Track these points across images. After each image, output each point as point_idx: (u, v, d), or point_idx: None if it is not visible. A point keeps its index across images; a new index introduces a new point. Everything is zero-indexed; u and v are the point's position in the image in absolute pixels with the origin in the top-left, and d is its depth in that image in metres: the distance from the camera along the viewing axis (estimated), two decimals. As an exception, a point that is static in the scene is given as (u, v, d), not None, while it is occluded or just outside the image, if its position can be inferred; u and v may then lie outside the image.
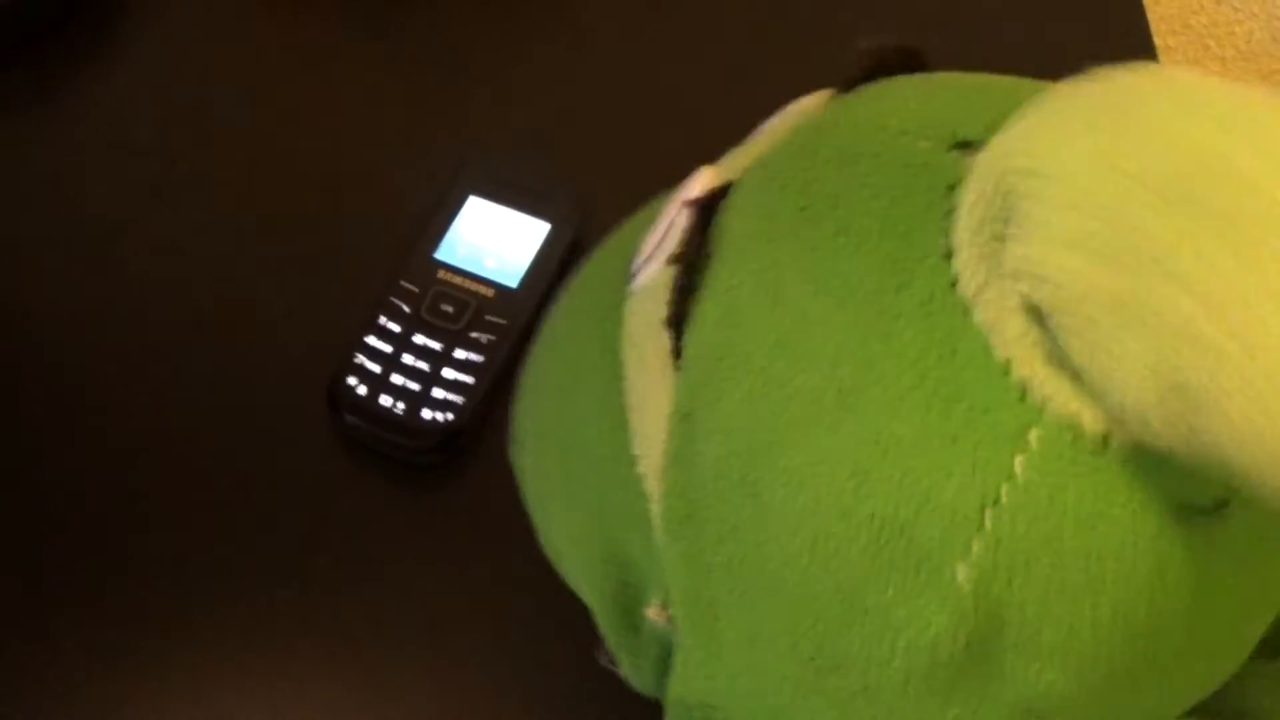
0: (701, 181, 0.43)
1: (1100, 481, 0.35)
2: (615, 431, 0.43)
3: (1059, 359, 0.34)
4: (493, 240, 0.66)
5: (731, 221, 0.41)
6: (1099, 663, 0.37)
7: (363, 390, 0.62)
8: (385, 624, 0.59)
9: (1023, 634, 0.36)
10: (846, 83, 0.43)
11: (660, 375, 0.42)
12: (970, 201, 0.35)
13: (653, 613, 0.44)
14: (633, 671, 0.47)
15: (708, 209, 0.42)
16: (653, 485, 0.42)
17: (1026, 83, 0.41)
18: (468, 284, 0.64)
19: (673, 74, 0.69)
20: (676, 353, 0.41)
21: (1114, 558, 0.35)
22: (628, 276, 0.44)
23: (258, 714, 0.57)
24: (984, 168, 0.35)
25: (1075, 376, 0.34)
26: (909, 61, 0.43)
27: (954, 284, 0.36)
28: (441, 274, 0.65)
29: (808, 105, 0.45)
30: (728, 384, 0.39)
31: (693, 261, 0.41)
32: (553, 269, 0.64)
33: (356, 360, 0.63)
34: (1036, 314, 0.34)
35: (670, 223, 0.43)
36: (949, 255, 0.36)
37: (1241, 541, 0.37)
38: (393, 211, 0.69)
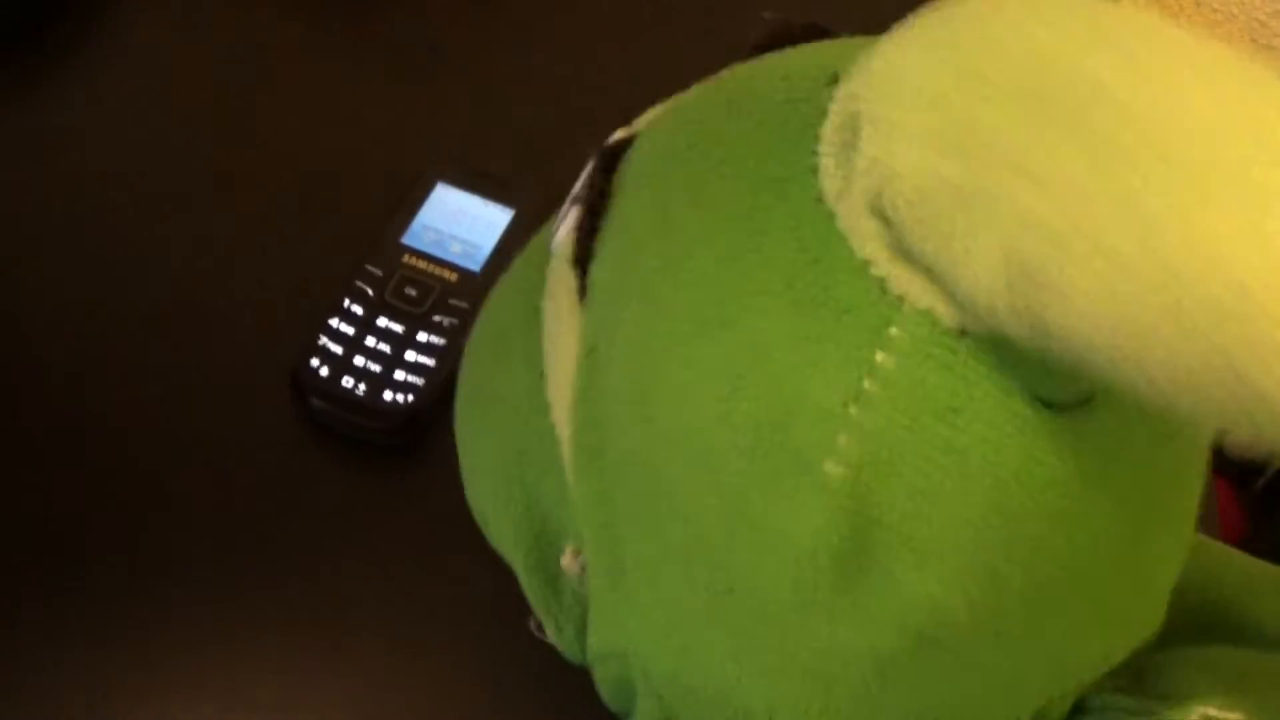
0: (617, 135, 0.44)
1: (958, 374, 0.35)
2: (532, 382, 0.44)
3: (910, 255, 0.35)
4: (458, 226, 0.67)
5: (631, 165, 0.42)
6: (977, 570, 0.37)
7: (325, 372, 0.62)
8: (349, 604, 0.59)
9: (896, 534, 0.36)
10: (750, 50, 0.44)
11: (569, 316, 0.43)
12: (832, 123, 0.36)
13: (567, 560, 0.44)
14: (558, 636, 0.47)
15: (613, 157, 0.43)
16: (562, 427, 0.43)
17: None
18: (432, 268, 0.65)
19: (636, 64, 0.70)
20: (581, 290, 0.42)
21: (977, 450, 0.35)
22: (551, 242, 0.46)
23: (225, 696, 0.57)
24: (843, 84, 0.36)
25: (928, 271, 0.34)
26: (816, 37, 0.44)
27: (820, 197, 0.36)
28: (407, 258, 0.66)
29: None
30: (624, 311, 0.40)
31: (595, 202, 0.42)
32: (515, 254, 0.64)
33: (320, 342, 0.63)
34: (883, 212, 0.34)
35: (582, 177, 0.44)
36: (814, 169, 0.37)
37: (1112, 439, 0.37)
38: (362, 198, 0.70)
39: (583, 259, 0.42)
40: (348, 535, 0.61)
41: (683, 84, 0.43)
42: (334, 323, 0.64)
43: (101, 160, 0.72)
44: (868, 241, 0.35)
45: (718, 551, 0.39)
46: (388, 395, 0.62)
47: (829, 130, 0.37)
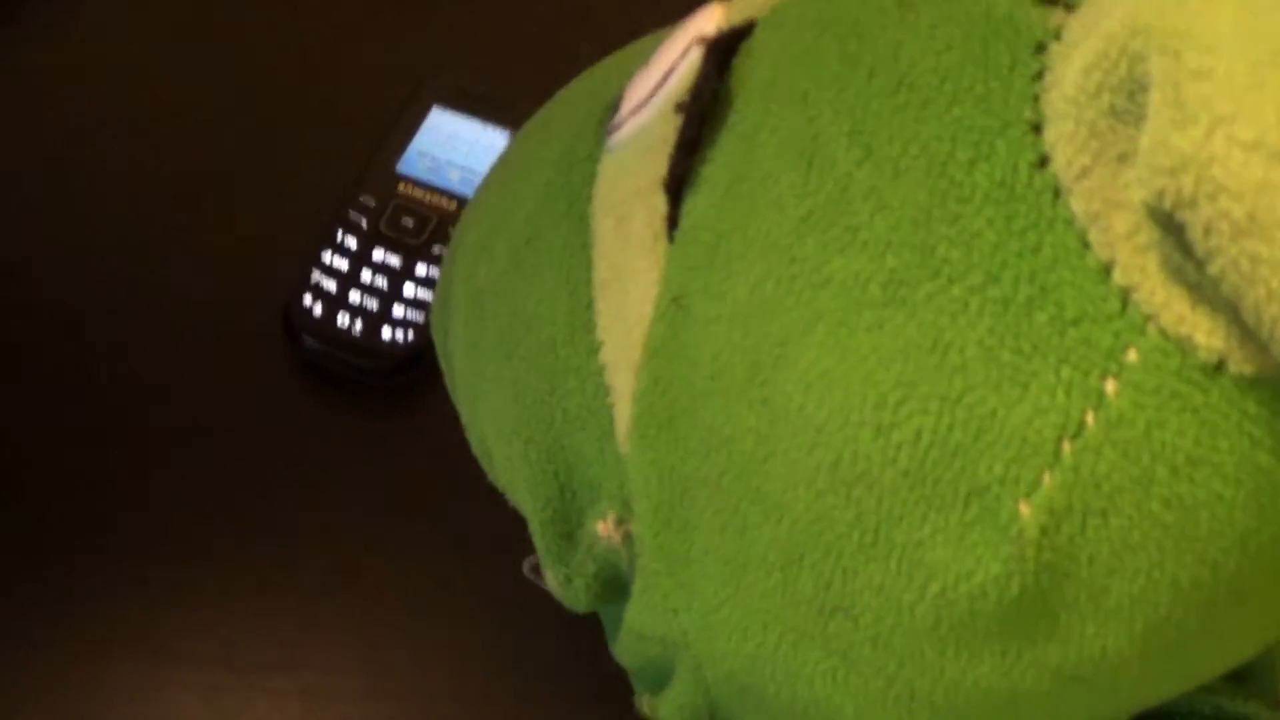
0: (715, 18, 0.35)
1: (1206, 418, 0.28)
2: (575, 311, 0.37)
3: (1178, 270, 0.28)
4: (456, 152, 0.63)
5: (755, 67, 0.34)
6: (1167, 628, 0.31)
7: (318, 310, 0.59)
8: (344, 549, 0.56)
9: (1087, 591, 0.30)
10: None
11: (646, 248, 0.35)
12: (1085, 64, 0.28)
13: (604, 527, 0.38)
14: (562, 587, 0.41)
15: (725, 51, 0.34)
16: (620, 378, 0.36)
17: None
18: (429, 197, 0.62)
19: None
20: (672, 222, 0.34)
21: (1209, 509, 0.29)
22: (606, 127, 0.38)
23: (217, 652, 0.54)
24: (1111, 23, 0.28)
25: (1209, 294, 0.28)
26: None
27: (1043, 163, 0.29)
28: (402, 187, 0.62)
29: None
30: (739, 264, 0.32)
31: (703, 112, 0.34)
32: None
33: (313, 279, 0.60)
34: (1166, 218, 0.27)
35: (672, 66, 0.36)
36: (1038, 127, 0.29)
37: None
38: (355, 125, 0.66)
39: (677, 183, 0.34)
40: (345, 481, 0.58)
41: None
42: (327, 257, 0.60)
43: (78, 91, 0.68)
44: (1118, 241, 0.28)
45: (839, 570, 0.32)
46: (386, 333, 0.59)
47: (1075, 79, 0.28)
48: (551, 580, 0.41)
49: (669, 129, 0.35)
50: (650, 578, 0.37)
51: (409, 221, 0.61)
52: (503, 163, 0.42)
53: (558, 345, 0.37)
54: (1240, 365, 0.28)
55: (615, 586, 0.40)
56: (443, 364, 0.44)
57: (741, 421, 0.33)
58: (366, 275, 0.60)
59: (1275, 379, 0.28)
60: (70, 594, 0.55)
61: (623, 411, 0.36)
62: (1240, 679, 0.40)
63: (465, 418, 0.43)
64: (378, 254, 0.61)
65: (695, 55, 0.35)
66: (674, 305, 0.34)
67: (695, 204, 0.34)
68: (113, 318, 0.62)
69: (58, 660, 0.53)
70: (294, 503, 0.57)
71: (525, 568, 0.43)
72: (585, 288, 0.37)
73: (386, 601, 0.55)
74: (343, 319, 0.59)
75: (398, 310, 0.59)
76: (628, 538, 0.38)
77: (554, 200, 0.38)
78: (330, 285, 0.60)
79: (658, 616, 0.38)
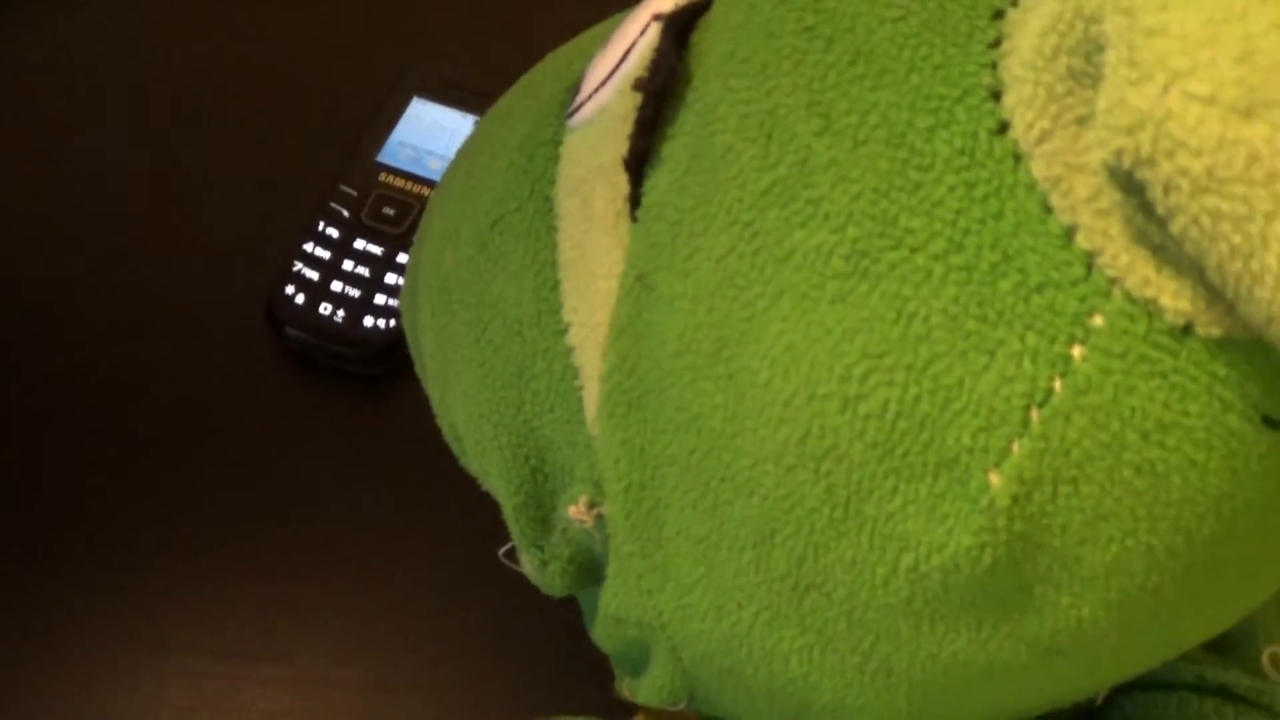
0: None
1: (1176, 382, 0.28)
2: (541, 292, 0.36)
3: (1142, 233, 0.27)
4: (436, 142, 0.63)
5: (713, 41, 0.33)
6: (1144, 597, 0.30)
7: (301, 299, 0.59)
8: (331, 539, 0.56)
9: (1060, 560, 0.30)
10: None
11: (609, 227, 0.35)
12: (1041, 27, 0.28)
13: (576, 511, 0.37)
14: (538, 571, 0.40)
15: (683, 26, 0.34)
16: (587, 359, 0.36)
17: None
18: (410, 186, 0.62)
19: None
20: (634, 200, 0.34)
21: (1181, 474, 0.29)
22: (567, 109, 0.37)
23: (204, 642, 0.54)
24: None
25: (1173, 255, 0.27)
26: None
27: (1003, 129, 0.29)
28: (383, 177, 0.63)
29: None
30: (702, 240, 0.32)
31: (662, 89, 0.33)
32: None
33: (295, 269, 0.60)
34: (1126, 178, 0.26)
35: (631, 44, 0.35)
36: (997, 94, 0.29)
37: None
38: (334, 116, 0.66)
39: (637, 160, 0.33)
40: (329, 469, 0.58)
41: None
42: (309, 247, 0.60)
43: (59, 86, 0.68)
44: (1081, 205, 0.28)
45: (810, 546, 0.32)
46: (368, 321, 0.59)
47: (1033, 42, 0.28)
48: (527, 565, 0.41)
49: (629, 107, 0.34)
50: (624, 560, 0.37)
51: (390, 211, 0.62)
52: (466, 150, 0.42)
53: (524, 327, 0.37)
54: (1208, 327, 0.28)
55: (590, 570, 0.40)
56: (413, 352, 0.44)
57: (709, 398, 0.32)
58: (349, 265, 0.60)
59: (1243, 340, 0.28)
60: (57, 585, 0.54)
61: (591, 392, 0.36)
62: (1220, 648, 0.40)
63: (436, 405, 0.42)
64: (359, 243, 0.61)
65: (653, 32, 0.34)
66: (639, 284, 0.34)
67: (657, 181, 0.33)
68: (96, 310, 0.62)
69: (46, 651, 0.53)
70: (280, 491, 0.57)
71: (501, 553, 0.42)
72: (551, 269, 0.36)
73: (375, 589, 0.55)
74: (325, 308, 0.59)
75: (380, 299, 0.60)
76: (600, 520, 0.37)
77: (517, 183, 0.38)
78: (312, 275, 0.60)
79: (633, 599, 0.37)
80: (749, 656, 0.35)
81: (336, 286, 0.60)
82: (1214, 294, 0.27)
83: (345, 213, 0.61)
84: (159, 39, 0.70)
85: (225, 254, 0.63)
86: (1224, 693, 0.39)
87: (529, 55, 0.43)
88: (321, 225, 0.61)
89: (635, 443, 0.35)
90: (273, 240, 0.61)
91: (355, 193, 0.62)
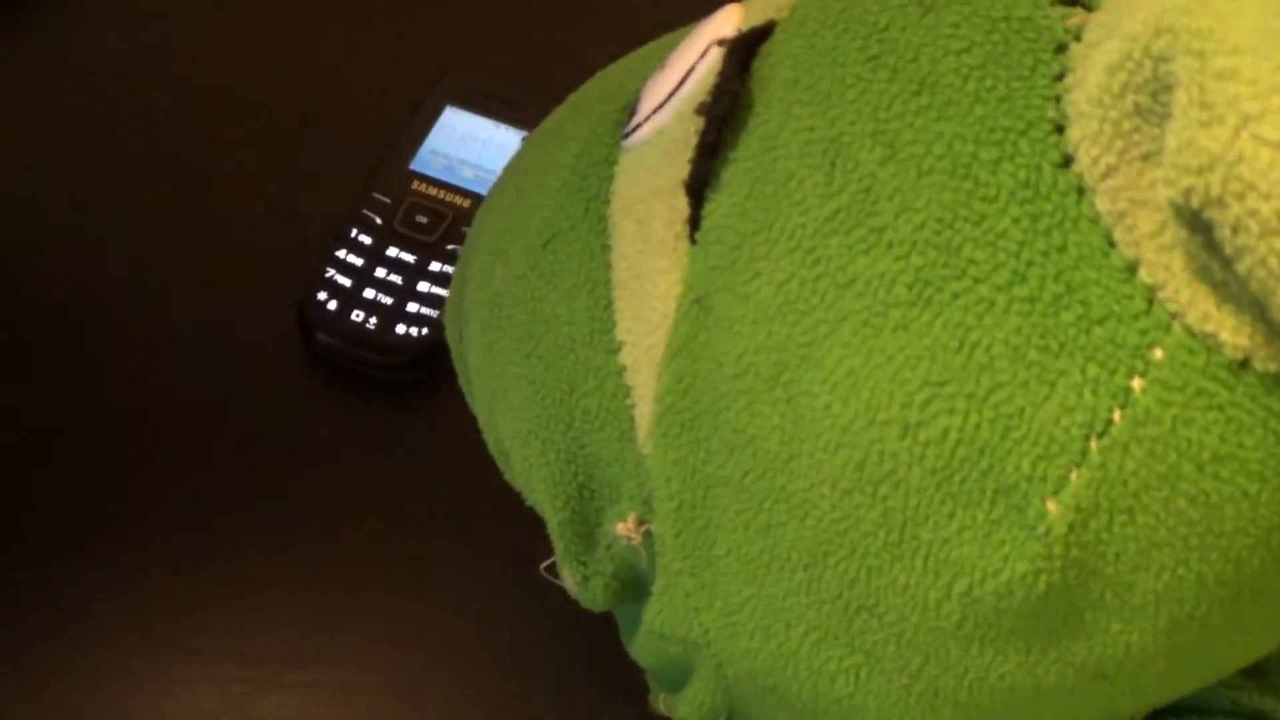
0: (734, 19, 0.35)
1: (1232, 415, 0.28)
2: (594, 311, 0.37)
3: (1203, 269, 0.28)
4: (469, 150, 0.64)
5: (776, 68, 0.34)
6: (1192, 624, 0.31)
7: (333, 306, 0.59)
8: (360, 548, 0.56)
9: (1112, 587, 0.30)
10: None
11: (667, 249, 0.35)
12: (1109, 64, 0.28)
13: (624, 528, 0.38)
14: (580, 586, 0.41)
15: (746, 52, 0.34)
16: (640, 379, 0.36)
17: None
18: (443, 194, 0.62)
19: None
20: (694, 223, 0.34)
21: (1234, 505, 0.29)
22: (623, 129, 0.37)
23: (229, 646, 0.54)
24: (1134, 24, 0.28)
25: (1220, 286, 0.28)
26: None
27: (1066, 162, 0.29)
28: (416, 185, 0.63)
29: None
30: (762, 264, 0.32)
31: (725, 114, 0.33)
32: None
33: (327, 275, 0.60)
34: (1193, 217, 0.27)
35: (691, 67, 0.35)
36: (1060, 128, 0.29)
37: None
38: (368, 124, 0.66)
39: (699, 184, 0.34)
40: (358, 479, 0.58)
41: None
42: (341, 254, 0.61)
43: (94, 87, 0.68)
44: (1143, 240, 0.28)
45: (864, 569, 0.32)
46: (400, 329, 0.59)
47: (1098, 78, 0.28)
48: (569, 579, 0.41)
49: (689, 130, 0.34)
50: (672, 577, 0.37)
51: (423, 219, 0.62)
52: (515, 166, 0.42)
53: (576, 345, 0.37)
54: (1265, 363, 0.28)
55: (633, 586, 0.40)
56: (457, 367, 0.44)
57: (766, 421, 0.33)
58: (381, 272, 0.60)
59: None
60: (84, 589, 0.55)
61: (644, 412, 0.36)
62: (1257, 674, 0.40)
63: (482, 419, 0.43)
64: (392, 251, 0.61)
65: (715, 56, 0.35)
66: (697, 306, 0.34)
67: (717, 205, 0.34)
68: (125, 315, 0.62)
69: (71, 656, 0.53)
70: (308, 499, 0.57)
71: (542, 568, 0.42)
72: (604, 288, 0.37)
73: (403, 597, 0.55)
74: (357, 315, 0.59)
75: (412, 306, 0.60)
76: (648, 537, 0.38)
77: (571, 202, 0.38)
78: (345, 281, 0.60)
79: (679, 616, 0.38)
80: (795, 675, 0.36)
81: (369, 293, 0.60)
82: (1272, 330, 0.28)
83: (378, 220, 0.61)
84: (197, 43, 0.70)
85: (258, 259, 0.63)
86: (1261, 718, 0.39)
87: (562, 67, 0.43)
88: (354, 232, 0.61)
89: (688, 462, 0.35)
90: (305, 246, 0.61)
91: (388, 200, 0.62)
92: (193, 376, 0.60)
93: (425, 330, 0.59)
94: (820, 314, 0.31)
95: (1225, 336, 0.28)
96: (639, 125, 0.37)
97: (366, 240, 0.61)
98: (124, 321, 0.61)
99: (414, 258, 0.61)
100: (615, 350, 0.37)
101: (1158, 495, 0.29)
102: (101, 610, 0.54)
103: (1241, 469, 0.29)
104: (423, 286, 0.60)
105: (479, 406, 0.42)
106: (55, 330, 0.61)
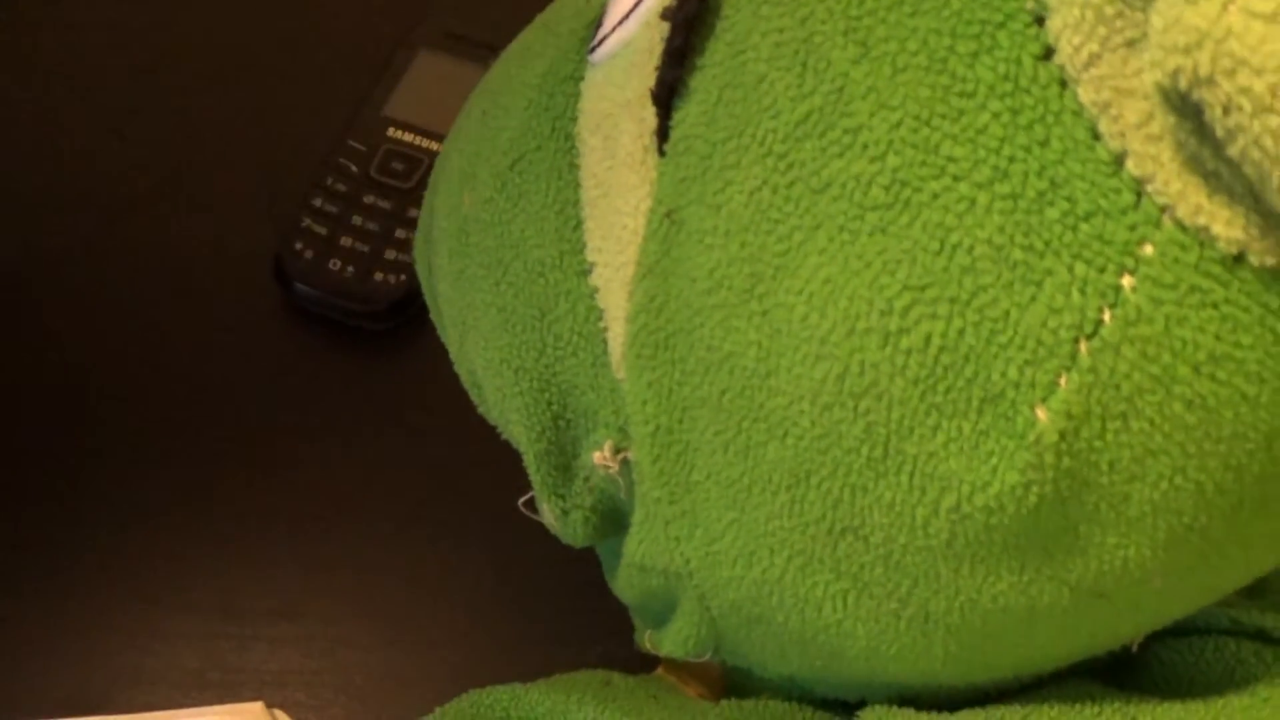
0: None
1: (1227, 313, 0.27)
2: (563, 232, 0.36)
3: (1194, 158, 0.26)
4: (445, 94, 0.62)
5: None
6: (1191, 537, 0.30)
7: (309, 255, 0.58)
8: (339, 497, 0.56)
9: (1107, 499, 0.29)
10: None
11: (635, 163, 0.34)
12: None
13: (600, 456, 0.36)
14: (559, 521, 0.39)
15: None
16: (612, 300, 0.35)
17: None
18: (419, 140, 0.61)
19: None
20: (662, 134, 0.33)
21: (1232, 408, 0.28)
22: (588, 44, 0.36)
23: (210, 599, 0.53)
24: None
25: (1211, 176, 0.26)
26: None
27: (1048, 54, 0.28)
28: (392, 131, 0.62)
29: None
30: (734, 173, 0.31)
31: (691, 18, 0.32)
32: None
33: (303, 224, 0.59)
34: (1182, 100, 0.25)
35: None
36: (1040, 19, 0.28)
37: None
38: (341, 70, 0.65)
39: (666, 93, 0.32)
40: (339, 426, 0.57)
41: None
42: (317, 202, 0.60)
43: (60, 43, 0.67)
44: (1130, 130, 0.27)
45: (848, 488, 0.31)
46: (378, 276, 0.58)
47: None
48: (548, 514, 0.40)
49: (655, 38, 0.33)
50: (650, 506, 0.36)
51: (399, 165, 0.61)
52: (482, 89, 0.41)
53: (546, 269, 0.36)
54: (1261, 257, 0.27)
55: (613, 519, 0.39)
56: (428, 299, 0.43)
57: (742, 336, 0.31)
58: (357, 220, 0.59)
59: None
60: (66, 545, 0.54)
61: (616, 334, 0.35)
62: (1256, 592, 0.39)
63: (454, 351, 0.41)
64: (368, 198, 0.60)
65: None
66: (667, 220, 0.33)
67: (686, 114, 0.32)
68: (103, 268, 0.61)
69: (54, 612, 0.52)
70: (290, 449, 0.56)
71: (520, 503, 0.41)
72: (574, 209, 0.35)
73: (386, 547, 0.54)
74: (334, 264, 0.58)
75: (389, 254, 0.59)
76: (625, 465, 0.36)
77: (538, 121, 0.37)
78: (321, 230, 0.59)
79: (659, 546, 0.36)
80: (780, 604, 0.34)
81: (345, 242, 0.59)
82: (1267, 222, 0.27)
83: (354, 167, 0.60)
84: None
85: (233, 211, 0.62)
86: (1262, 636, 0.38)
87: (537, 9, 0.42)
88: (330, 180, 0.60)
89: (663, 384, 0.34)
90: (281, 197, 0.60)
91: (363, 147, 0.61)
92: (171, 330, 0.59)
93: (403, 277, 0.58)
94: (794, 221, 0.30)
95: (1218, 230, 0.27)
96: (605, 38, 0.35)
97: (342, 188, 0.60)
98: (100, 276, 0.61)
99: (390, 205, 0.60)
100: (586, 272, 0.35)
101: (1152, 399, 0.28)
102: (80, 565, 0.53)
103: (1239, 370, 0.28)
104: (399, 234, 0.59)
105: (450, 338, 0.41)
106: (31, 283, 0.60)
